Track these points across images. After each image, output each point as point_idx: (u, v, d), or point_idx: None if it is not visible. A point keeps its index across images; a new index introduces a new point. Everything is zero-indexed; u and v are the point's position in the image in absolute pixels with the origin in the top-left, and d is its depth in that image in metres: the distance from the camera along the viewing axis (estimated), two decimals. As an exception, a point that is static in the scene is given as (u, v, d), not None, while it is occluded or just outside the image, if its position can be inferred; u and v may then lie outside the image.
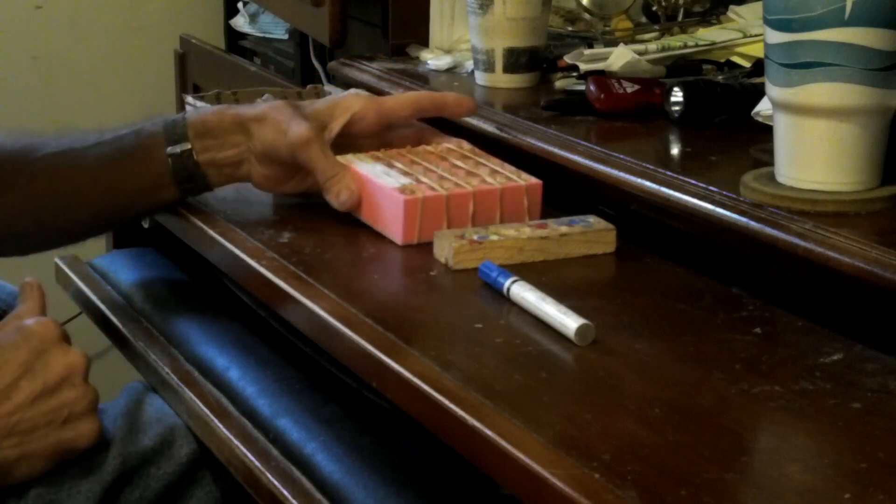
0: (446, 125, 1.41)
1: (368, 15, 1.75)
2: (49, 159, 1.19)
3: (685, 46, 1.45)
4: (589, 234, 1.14)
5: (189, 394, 1.19)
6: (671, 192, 1.12)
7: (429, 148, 1.28)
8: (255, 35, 2.38)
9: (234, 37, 2.47)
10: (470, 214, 1.18)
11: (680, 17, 1.63)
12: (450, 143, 1.27)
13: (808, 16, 1.00)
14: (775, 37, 1.03)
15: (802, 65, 1.02)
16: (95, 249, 1.63)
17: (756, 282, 1.05)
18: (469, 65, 1.55)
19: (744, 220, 1.04)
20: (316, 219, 1.26)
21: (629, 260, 1.14)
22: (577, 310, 0.98)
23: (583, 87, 1.39)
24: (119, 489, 1.16)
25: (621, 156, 1.19)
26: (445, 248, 1.12)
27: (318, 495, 1.02)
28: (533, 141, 1.28)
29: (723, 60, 1.46)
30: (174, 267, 1.43)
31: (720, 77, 1.40)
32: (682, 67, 1.45)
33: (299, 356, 1.18)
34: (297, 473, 1.04)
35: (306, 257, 1.15)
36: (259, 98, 1.46)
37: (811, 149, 1.04)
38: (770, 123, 1.09)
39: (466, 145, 1.29)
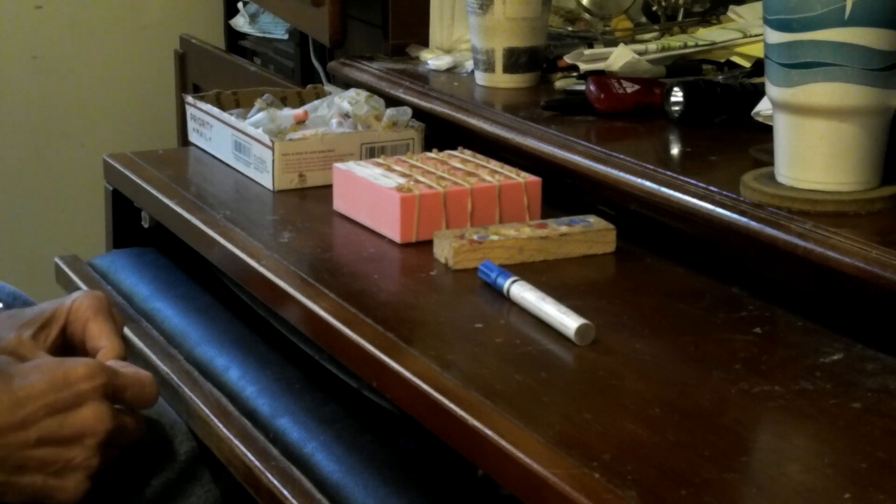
0: (446, 126, 1.41)
1: (368, 15, 1.75)
2: None
3: (685, 46, 1.45)
4: (589, 234, 1.14)
5: (189, 394, 1.19)
6: (671, 192, 1.12)
7: (430, 154, 1.28)
8: (255, 35, 2.38)
9: (234, 37, 2.47)
10: (468, 212, 1.18)
11: (680, 17, 1.63)
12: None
13: (808, 16, 1.00)
14: (775, 37, 1.03)
15: (802, 65, 1.02)
16: (95, 249, 1.64)
17: (756, 282, 1.05)
18: (469, 65, 1.55)
19: (744, 220, 1.04)
20: (316, 219, 1.26)
21: (629, 260, 1.14)
22: (577, 310, 0.98)
23: (583, 87, 1.39)
24: (118, 486, 1.16)
25: (621, 156, 1.19)
26: (445, 248, 1.12)
27: (318, 495, 1.02)
28: (533, 141, 1.28)
29: (723, 60, 1.46)
30: (174, 267, 1.43)
31: (720, 77, 1.40)
32: (682, 67, 1.45)
33: (299, 356, 1.18)
34: (297, 473, 1.04)
35: (306, 257, 1.15)
36: (259, 98, 1.46)
37: (811, 149, 1.04)
38: (770, 123, 1.09)
39: (467, 152, 1.29)
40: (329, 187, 1.29)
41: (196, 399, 1.18)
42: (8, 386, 1.02)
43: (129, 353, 1.30)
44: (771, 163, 1.09)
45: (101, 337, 1.13)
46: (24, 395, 1.02)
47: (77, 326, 1.14)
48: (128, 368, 1.10)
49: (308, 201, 1.31)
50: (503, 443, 0.83)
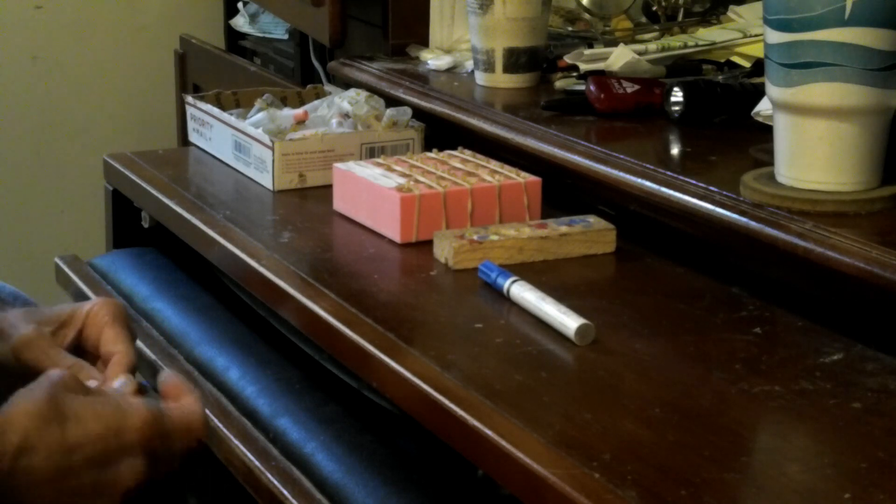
0: (446, 126, 1.41)
1: (368, 15, 1.75)
2: None
3: (685, 46, 1.45)
4: (589, 234, 1.14)
5: (189, 394, 1.19)
6: (671, 192, 1.12)
7: (430, 154, 1.28)
8: (255, 35, 2.38)
9: (234, 37, 2.47)
10: (468, 212, 1.18)
11: (680, 17, 1.63)
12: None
13: (808, 16, 1.00)
14: (775, 37, 1.03)
15: (802, 65, 1.02)
16: (95, 249, 1.64)
17: (756, 282, 1.05)
18: (469, 65, 1.55)
19: (744, 220, 1.04)
20: (316, 219, 1.26)
21: (629, 260, 1.14)
22: (577, 310, 0.98)
23: (583, 87, 1.39)
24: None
25: (621, 156, 1.19)
26: (445, 248, 1.12)
27: (318, 495, 1.02)
28: (533, 141, 1.28)
29: (723, 60, 1.46)
30: (174, 267, 1.43)
31: (720, 77, 1.40)
32: (682, 67, 1.45)
33: (299, 356, 1.18)
34: (297, 473, 1.04)
35: (306, 257, 1.15)
36: (259, 98, 1.46)
37: (811, 149, 1.04)
38: (770, 123, 1.09)
39: (467, 152, 1.29)
40: (329, 187, 1.29)
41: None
42: (62, 431, 0.99)
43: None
44: (771, 163, 1.09)
45: (116, 342, 1.13)
46: (74, 443, 0.99)
47: (93, 331, 1.13)
48: (176, 408, 1.05)
49: (308, 201, 1.31)
50: (503, 443, 0.83)
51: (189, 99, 1.52)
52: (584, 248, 1.14)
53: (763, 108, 1.23)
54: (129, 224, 1.50)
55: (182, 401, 1.06)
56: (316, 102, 1.46)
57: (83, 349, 1.14)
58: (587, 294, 1.06)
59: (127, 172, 1.45)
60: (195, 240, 1.27)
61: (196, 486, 1.20)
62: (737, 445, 0.83)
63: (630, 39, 1.55)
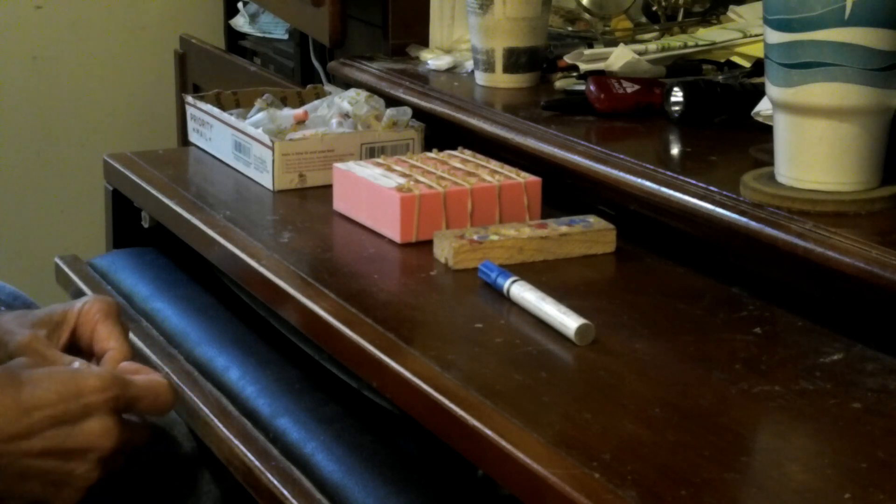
0: (446, 126, 1.41)
1: (368, 15, 1.75)
2: None
3: (685, 46, 1.45)
4: (589, 234, 1.14)
5: (189, 394, 1.19)
6: (671, 192, 1.12)
7: (430, 154, 1.28)
8: (255, 35, 2.38)
9: (234, 37, 2.47)
10: (468, 212, 1.18)
11: (680, 17, 1.63)
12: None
13: (808, 16, 1.00)
14: (775, 37, 1.03)
15: (802, 65, 1.02)
16: (95, 249, 1.64)
17: (756, 282, 1.05)
18: (469, 65, 1.55)
19: (744, 220, 1.04)
20: (316, 219, 1.26)
21: (629, 260, 1.14)
22: (577, 310, 0.98)
23: (583, 87, 1.39)
24: (117, 487, 1.16)
25: (621, 156, 1.20)
26: (445, 248, 1.12)
27: (318, 495, 1.02)
28: (533, 141, 1.28)
29: (723, 60, 1.46)
30: (174, 267, 1.43)
31: (720, 77, 1.40)
32: (682, 67, 1.45)
33: (299, 356, 1.18)
34: (297, 473, 1.04)
35: (306, 257, 1.16)
36: (259, 98, 1.46)
37: (811, 149, 1.04)
38: (770, 123, 1.09)
39: (467, 152, 1.29)
40: (329, 187, 1.29)
41: (196, 399, 1.18)
42: (17, 393, 1.01)
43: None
44: (771, 163, 1.09)
45: (109, 339, 1.13)
46: (31, 404, 1.01)
47: (86, 329, 1.14)
48: (141, 377, 1.08)
49: (308, 201, 1.31)
50: (503, 443, 0.83)
51: (189, 99, 1.52)
52: (584, 248, 1.14)
53: (763, 108, 1.23)
54: (129, 224, 1.50)
55: (146, 374, 1.09)
56: (316, 102, 1.46)
57: (78, 348, 1.14)
58: (587, 294, 1.06)
59: (127, 172, 1.45)
60: (195, 240, 1.27)
61: (196, 487, 1.20)
62: (737, 445, 0.83)
63: (630, 39, 1.55)
